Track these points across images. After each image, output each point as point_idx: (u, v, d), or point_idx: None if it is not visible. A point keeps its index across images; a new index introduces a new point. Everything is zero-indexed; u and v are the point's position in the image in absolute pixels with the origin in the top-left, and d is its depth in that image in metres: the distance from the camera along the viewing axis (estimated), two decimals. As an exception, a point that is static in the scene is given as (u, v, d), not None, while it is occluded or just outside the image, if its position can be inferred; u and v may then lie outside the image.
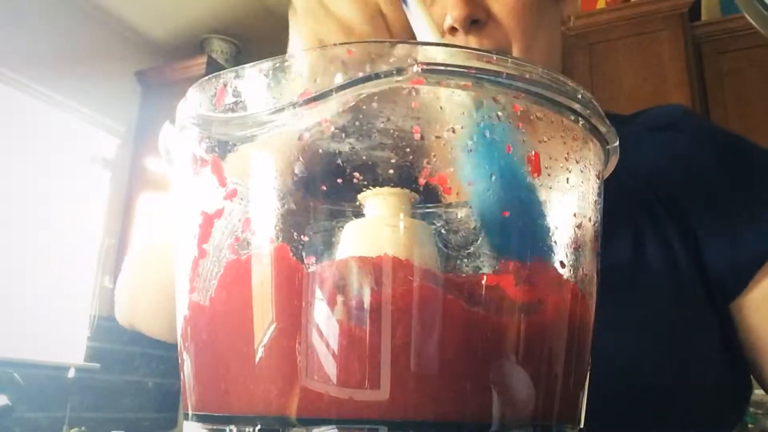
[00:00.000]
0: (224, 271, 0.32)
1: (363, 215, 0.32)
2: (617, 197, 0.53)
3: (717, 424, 0.60)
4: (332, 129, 0.30)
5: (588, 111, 0.32)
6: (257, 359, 0.29)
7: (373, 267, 0.28)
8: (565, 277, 0.32)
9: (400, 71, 0.28)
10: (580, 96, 0.32)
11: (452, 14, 0.56)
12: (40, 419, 2.23)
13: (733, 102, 2.22)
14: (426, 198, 0.33)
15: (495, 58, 0.30)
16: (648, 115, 0.67)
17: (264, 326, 0.29)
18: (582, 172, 0.34)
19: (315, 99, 0.29)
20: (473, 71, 0.29)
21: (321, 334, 0.28)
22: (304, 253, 0.30)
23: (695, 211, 0.58)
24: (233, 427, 0.29)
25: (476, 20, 0.57)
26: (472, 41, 0.58)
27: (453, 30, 0.57)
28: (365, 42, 0.30)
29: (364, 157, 0.31)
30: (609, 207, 0.52)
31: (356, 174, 0.30)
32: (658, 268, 0.57)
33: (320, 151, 0.31)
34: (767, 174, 0.59)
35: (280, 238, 0.31)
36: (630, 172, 0.54)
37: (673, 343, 0.57)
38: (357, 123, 0.30)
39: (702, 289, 0.58)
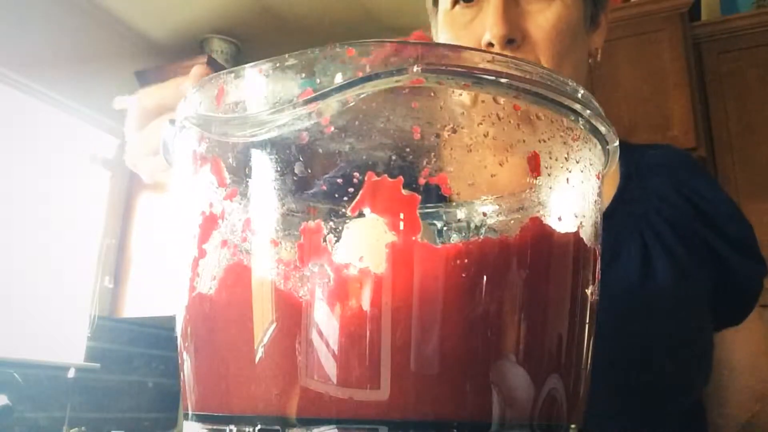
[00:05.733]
0: (224, 271, 0.32)
1: (363, 215, 0.32)
2: (628, 217, 0.66)
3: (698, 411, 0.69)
4: (332, 129, 0.30)
5: (588, 111, 0.32)
6: (257, 359, 0.29)
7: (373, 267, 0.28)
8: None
9: (400, 71, 0.28)
10: (580, 96, 0.32)
11: (491, 31, 0.60)
12: (40, 419, 2.23)
13: (733, 102, 2.22)
14: (426, 198, 0.33)
15: (495, 58, 0.30)
16: (663, 151, 0.76)
17: (264, 326, 0.29)
18: (582, 172, 0.34)
19: (315, 99, 0.29)
20: (473, 71, 0.29)
21: (321, 334, 0.28)
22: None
23: (714, 239, 0.67)
24: (233, 427, 0.29)
25: (512, 39, 0.61)
26: None
27: (489, 45, 0.62)
28: (365, 42, 0.30)
29: (364, 157, 0.31)
30: (619, 226, 0.60)
31: (356, 174, 0.30)
32: (665, 278, 0.63)
33: (320, 151, 0.31)
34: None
35: (281, 238, 0.31)
36: (642, 198, 0.68)
37: (677, 346, 0.63)
38: (357, 123, 0.30)
39: (707, 299, 0.66)
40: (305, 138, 0.30)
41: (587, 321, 0.34)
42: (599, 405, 0.37)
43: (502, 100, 0.31)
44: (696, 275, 0.66)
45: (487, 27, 0.60)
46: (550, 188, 0.33)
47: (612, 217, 0.65)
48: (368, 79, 0.28)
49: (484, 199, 0.38)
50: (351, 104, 0.29)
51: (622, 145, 0.72)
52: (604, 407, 0.51)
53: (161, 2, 2.66)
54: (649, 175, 0.70)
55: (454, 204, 0.40)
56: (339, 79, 0.29)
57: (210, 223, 0.33)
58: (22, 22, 2.34)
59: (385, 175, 0.30)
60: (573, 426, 0.32)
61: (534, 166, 0.32)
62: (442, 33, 0.68)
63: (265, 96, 0.31)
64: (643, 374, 0.61)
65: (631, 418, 0.60)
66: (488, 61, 0.30)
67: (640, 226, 0.66)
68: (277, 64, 0.30)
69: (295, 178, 0.31)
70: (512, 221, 0.35)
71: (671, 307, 0.63)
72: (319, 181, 0.32)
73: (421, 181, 0.31)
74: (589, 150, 0.34)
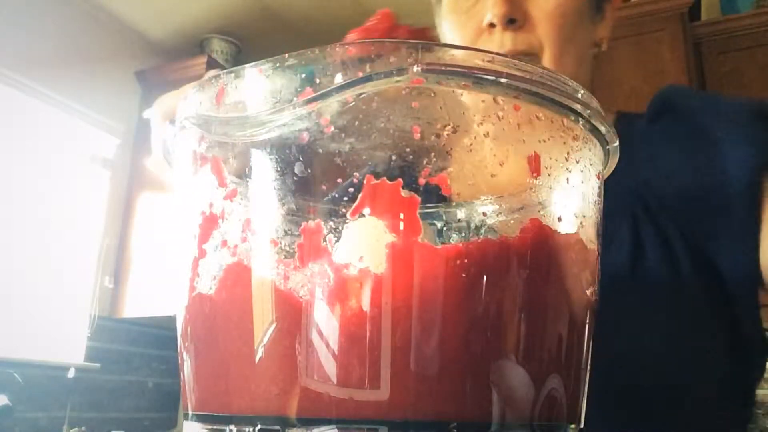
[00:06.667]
0: (224, 271, 0.32)
1: (363, 215, 0.32)
2: (617, 196, 0.56)
3: (723, 418, 0.63)
4: (332, 129, 0.30)
5: (588, 111, 0.32)
6: (257, 359, 0.29)
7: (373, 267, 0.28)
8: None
9: (400, 71, 0.28)
10: (580, 96, 0.32)
11: (493, 11, 0.60)
12: (40, 419, 2.23)
13: (733, 102, 2.22)
14: (426, 198, 0.33)
15: (495, 58, 0.30)
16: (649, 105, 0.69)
17: (264, 326, 0.29)
18: (582, 172, 0.34)
19: (315, 99, 0.29)
20: (473, 71, 0.29)
21: (321, 334, 0.28)
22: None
23: (700, 214, 0.58)
24: (233, 427, 0.29)
25: (514, 20, 0.60)
26: (507, 39, 0.61)
27: (491, 26, 0.61)
28: (365, 42, 0.30)
29: (364, 157, 0.31)
30: (609, 206, 0.55)
31: (356, 174, 0.30)
32: (657, 268, 0.59)
33: (320, 151, 0.31)
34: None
35: (281, 238, 0.31)
36: (631, 171, 0.57)
37: (673, 342, 0.59)
38: (357, 123, 0.30)
39: (703, 289, 0.60)
40: (305, 138, 0.30)
41: (587, 321, 0.34)
42: (596, 404, 0.37)
43: (502, 100, 0.31)
44: (690, 264, 0.59)
45: (488, 7, 0.61)
46: (550, 188, 0.33)
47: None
48: (368, 79, 0.28)
49: (484, 199, 0.38)
50: (351, 104, 0.29)
51: (630, 117, 0.64)
52: (601, 406, 0.50)
53: (161, 2, 2.66)
54: (639, 144, 0.64)
55: (454, 204, 0.40)
56: (339, 79, 0.29)
57: (210, 223, 0.33)
58: (22, 22, 2.34)
59: (384, 177, 0.30)
60: (573, 426, 0.33)
61: (534, 166, 0.32)
62: (445, 20, 0.67)
63: (265, 96, 0.31)
64: (640, 373, 0.59)
65: (631, 416, 0.60)
66: (488, 61, 0.30)
67: (631, 204, 0.61)
68: (277, 64, 0.30)
69: (295, 178, 0.31)
70: (512, 221, 0.35)
71: (664, 300, 0.60)
72: (333, 192, 0.32)
73: (421, 181, 0.31)
74: (589, 150, 0.34)
